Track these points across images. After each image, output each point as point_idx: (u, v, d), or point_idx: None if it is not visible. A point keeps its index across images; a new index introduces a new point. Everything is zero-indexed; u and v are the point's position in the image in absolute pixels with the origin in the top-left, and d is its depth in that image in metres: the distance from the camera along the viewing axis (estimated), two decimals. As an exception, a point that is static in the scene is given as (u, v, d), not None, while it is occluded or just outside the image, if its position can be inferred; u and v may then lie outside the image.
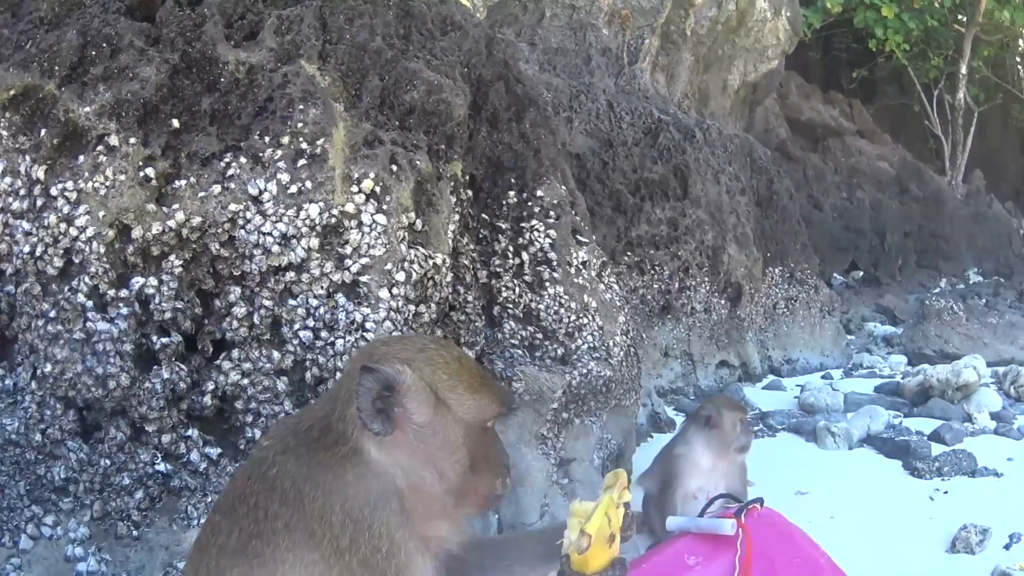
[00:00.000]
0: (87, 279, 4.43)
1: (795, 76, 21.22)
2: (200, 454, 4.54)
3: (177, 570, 4.29)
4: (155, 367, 4.50)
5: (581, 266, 6.10)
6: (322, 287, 4.58)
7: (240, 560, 2.66)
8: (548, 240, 5.94)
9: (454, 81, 5.44)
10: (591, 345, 5.92)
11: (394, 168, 4.85)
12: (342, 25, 5.20)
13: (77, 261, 4.47)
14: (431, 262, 4.92)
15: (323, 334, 4.56)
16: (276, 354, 4.57)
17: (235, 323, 4.58)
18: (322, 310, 4.57)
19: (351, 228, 4.64)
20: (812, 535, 6.11)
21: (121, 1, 5.12)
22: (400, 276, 4.68)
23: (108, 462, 4.43)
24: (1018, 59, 30.51)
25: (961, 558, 6.21)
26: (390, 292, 4.64)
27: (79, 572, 4.26)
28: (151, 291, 4.49)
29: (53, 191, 4.52)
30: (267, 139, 4.73)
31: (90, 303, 4.44)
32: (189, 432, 4.54)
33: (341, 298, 4.59)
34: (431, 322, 5.03)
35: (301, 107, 4.77)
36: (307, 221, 4.58)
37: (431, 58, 5.46)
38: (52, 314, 4.44)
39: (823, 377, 12.08)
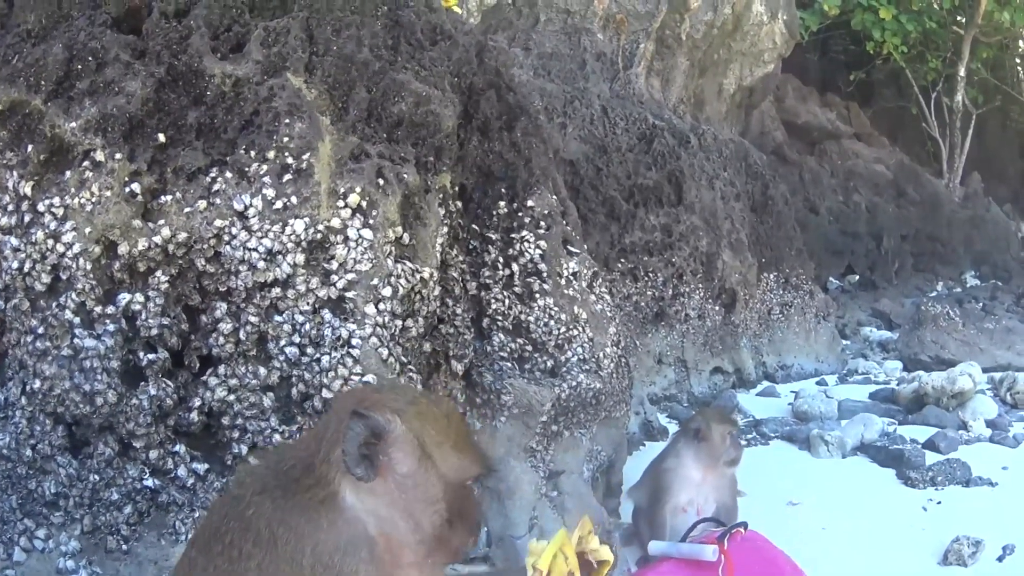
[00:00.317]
0: (74, 295, 4.42)
1: (792, 79, 21.19)
2: (187, 470, 4.53)
3: (166, 584, 4.30)
4: (142, 383, 4.48)
5: (572, 277, 6.07)
6: (308, 303, 4.56)
7: None
8: (538, 251, 5.91)
9: (443, 92, 5.42)
10: (581, 357, 5.90)
11: (381, 182, 4.82)
12: (329, 37, 5.17)
13: (64, 277, 4.45)
14: (418, 276, 4.90)
15: (309, 350, 4.54)
16: (262, 370, 4.55)
17: (221, 339, 4.57)
18: (308, 326, 4.54)
19: (337, 243, 4.61)
20: (803, 547, 6.13)
21: (107, 13, 5.08)
22: (387, 291, 4.66)
23: (97, 477, 4.42)
24: (1018, 61, 30.49)
25: (953, 571, 6.19)
26: (376, 307, 4.61)
27: (71, 584, 4.26)
28: (137, 307, 4.47)
29: (40, 207, 4.50)
30: (253, 153, 4.70)
31: (77, 319, 4.43)
32: (176, 448, 4.53)
33: (327, 314, 4.57)
34: (419, 336, 5.02)
35: (287, 121, 4.74)
36: (292, 237, 4.55)
37: (420, 69, 5.43)
38: (40, 330, 4.44)
39: (818, 383, 12.03)
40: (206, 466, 4.57)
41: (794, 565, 4.56)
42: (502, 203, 5.97)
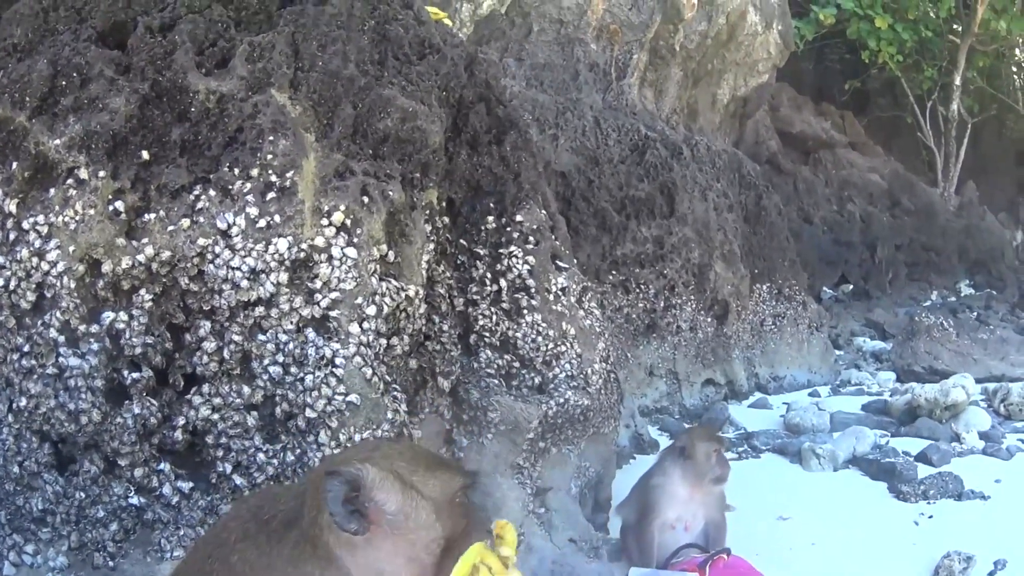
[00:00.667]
0: (59, 314, 4.41)
1: (787, 88, 21.25)
2: (172, 488, 4.50)
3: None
4: (126, 402, 4.46)
5: (560, 292, 6.06)
6: (291, 322, 4.54)
7: None
8: (526, 266, 5.90)
9: (430, 107, 5.40)
10: (569, 373, 5.88)
11: (365, 200, 4.80)
12: (314, 52, 5.15)
13: (49, 295, 4.44)
14: (403, 294, 4.88)
15: (292, 369, 4.52)
16: (246, 389, 4.53)
17: (205, 358, 4.55)
18: (291, 345, 4.52)
19: (321, 262, 4.60)
20: (793, 562, 6.12)
21: (93, 28, 5.07)
22: (371, 310, 4.64)
23: (83, 495, 4.41)
24: (1014, 69, 30.54)
25: (944, 586, 6.16)
26: (360, 326, 4.60)
27: (59, 600, 4.25)
28: (121, 326, 4.46)
29: (25, 225, 4.49)
30: (236, 171, 4.68)
31: (62, 338, 4.42)
32: (161, 466, 4.50)
33: (311, 333, 4.55)
34: (404, 354, 5.00)
35: (271, 138, 4.72)
36: (276, 255, 4.53)
37: (407, 84, 5.41)
38: (26, 348, 4.43)
39: (810, 394, 12.03)
40: (191, 484, 4.54)
41: (777, 589, 4.54)
42: (490, 218, 5.96)
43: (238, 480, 4.48)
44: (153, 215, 4.60)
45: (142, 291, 4.52)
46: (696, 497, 5.79)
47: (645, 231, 10.57)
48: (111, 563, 4.37)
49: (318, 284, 4.58)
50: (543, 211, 6.25)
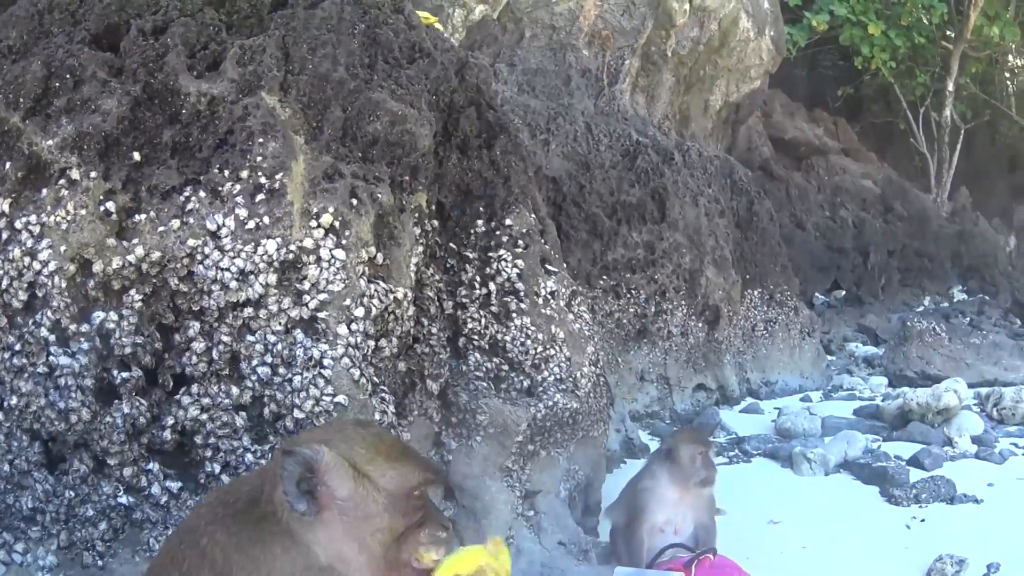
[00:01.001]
0: (50, 313, 4.43)
1: (779, 94, 21.28)
2: (161, 487, 4.51)
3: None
4: (116, 401, 4.48)
5: (549, 296, 6.08)
6: (280, 323, 4.56)
7: None
8: (516, 270, 5.92)
9: (419, 110, 5.41)
10: (558, 377, 5.90)
11: (354, 202, 4.83)
12: (304, 55, 5.17)
13: (40, 295, 4.46)
14: (392, 296, 4.90)
15: (281, 370, 4.53)
16: (235, 389, 4.55)
17: (194, 358, 4.56)
18: (280, 346, 4.54)
19: (309, 263, 4.62)
20: (784, 566, 6.13)
21: (86, 31, 5.09)
22: (359, 311, 4.66)
23: (72, 494, 4.41)
24: (1007, 75, 30.59)
25: (937, 590, 6.16)
26: (349, 328, 4.61)
27: (48, 599, 4.26)
28: (112, 326, 4.48)
29: (17, 224, 4.52)
30: (226, 173, 4.71)
31: (52, 337, 4.43)
32: (150, 466, 4.52)
33: (299, 334, 4.56)
34: (392, 356, 5.02)
35: (261, 140, 4.75)
36: (265, 257, 4.56)
37: (396, 87, 5.42)
38: (17, 347, 4.45)
39: (802, 399, 12.03)
40: (179, 484, 4.55)
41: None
42: (480, 221, 5.98)
43: (226, 480, 4.48)
44: (144, 216, 4.63)
45: (132, 291, 4.54)
46: (685, 500, 5.80)
47: (636, 236, 10.58)
48: (100, 562, 4.38)
49: (307, 285, 4.60)
50: (533, 215, 6.27)
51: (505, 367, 5.82)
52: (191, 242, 4.57)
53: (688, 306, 11.07)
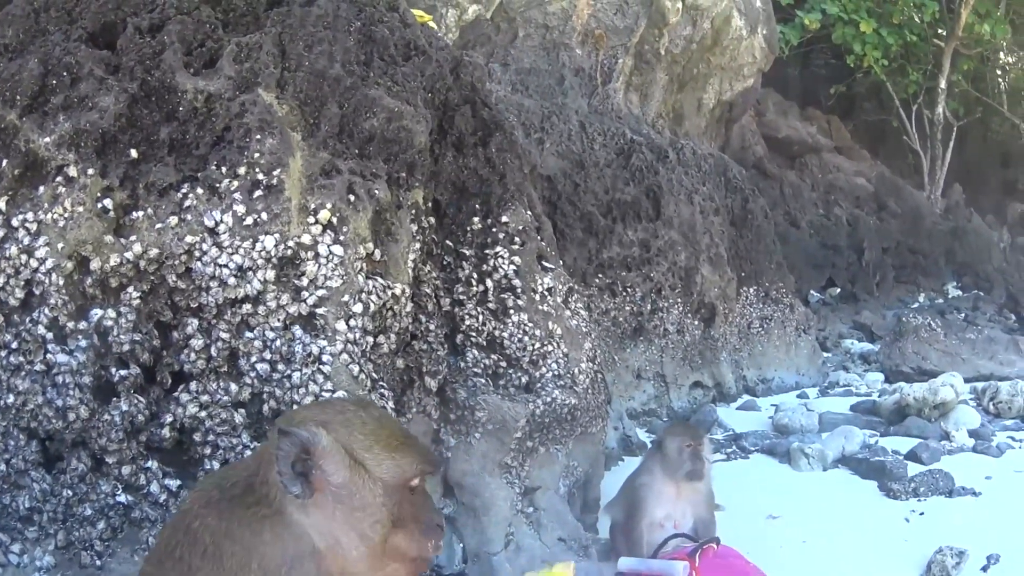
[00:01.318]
0: (47, 310, 4.41)
1: (772, 93, 21.29)
2: (160, 486, 4.49)
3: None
4: (114, 399, 4.46)
5: (546, 292, 6.08)
6: (279, 319, 4.56)
7: None
8: (512, 267, 5.92)
9: (415, 107, 5.42)
10: (556, 373, 5.90)
11: (352, 198, 4.83)
12: (301, 52, 5.17)
13: (38, 292, 4.45)
14: (390, 292, 4.90)
15: (280, 367, 4.53)
16: (233, 386, 4.54)
17: (193, 355, 4.55)
18: (279, 343, 4.54)
19: (307, 260, 4.62)
20: (783, 561, 6.12)
21: (83, 29, 5.09)
22: (357, 308, 4.66)
23: (70, 493, 4.39)
24: (998, 72, 30.60)
25: (937, 582, 6.16)
26: (347, 324, 4.62)
27: (46, 600, 4.24)
28: (109, 323, 4.46)
29: (14, 222, 4.51)
30: (224, 169, 4.70)
31: (50, 335, 4.42)
32: (148, 464, 4.50)
33: (298, 330, 4.56)
34: (391, 352, 5.02)
35: (258, 137, 4.74)
36: (263, 253, 4.55)
37: (392, 84, 5.43)
38: (14, 345, 4.43)
39: (799, 396, 12.05)
40: (178, 482, 4.53)
41: (767, 578, 4.55)
42: (476, 219, 5.99)
43: (225, 477, 4.48)
44: (141, 213, 4.62)
45: (130, 288, 4.53)
46: (682, 495, 5.79)
47: (631, 234, 10.57)
48: (98, 562, 4.36)
49: (305, 281, 4.60)
50: (529, 212, 6.27)
51: (503, 363, 5.83)
52: (189, 239, 4.56)
53: (684, 304, 11.07)
